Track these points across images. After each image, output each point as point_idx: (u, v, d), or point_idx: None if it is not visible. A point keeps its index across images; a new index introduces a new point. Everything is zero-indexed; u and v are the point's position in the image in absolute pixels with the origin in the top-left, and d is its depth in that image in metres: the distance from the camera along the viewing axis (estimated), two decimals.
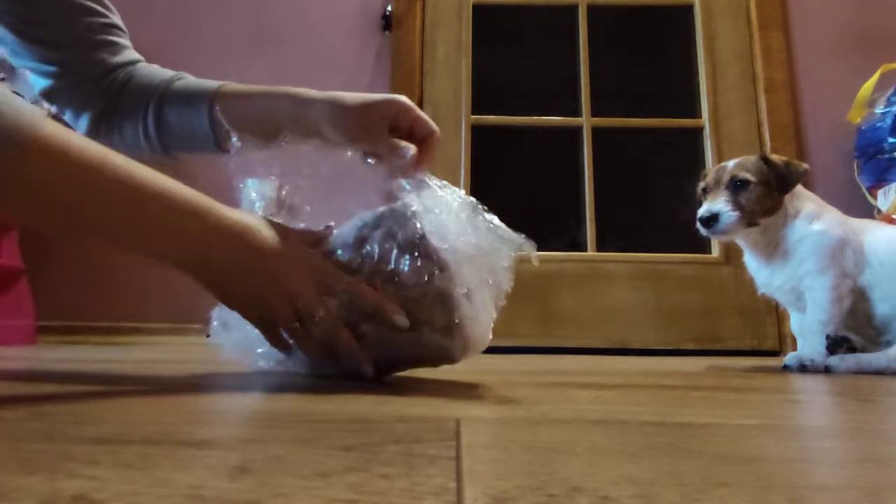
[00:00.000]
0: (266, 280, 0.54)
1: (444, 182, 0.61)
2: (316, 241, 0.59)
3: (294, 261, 0.55)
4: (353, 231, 0.58)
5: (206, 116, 0.72)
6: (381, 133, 0.66)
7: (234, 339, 0.63)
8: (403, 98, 0.68)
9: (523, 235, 0.59)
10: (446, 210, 0.56)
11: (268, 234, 0.55)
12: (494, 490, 0.21)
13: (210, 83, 0.75)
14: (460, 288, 0.54)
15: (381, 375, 0.58)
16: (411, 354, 0.58)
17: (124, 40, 0.78)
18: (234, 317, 0.59)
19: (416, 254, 0.54)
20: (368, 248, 0.56)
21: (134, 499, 0.19)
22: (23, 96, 1.44)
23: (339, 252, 0.57)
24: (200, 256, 0.53)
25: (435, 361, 0.59)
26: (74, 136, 0.48)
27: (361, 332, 0.55)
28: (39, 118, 0.46)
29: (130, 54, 0.78)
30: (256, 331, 0.58)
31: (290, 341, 0.57)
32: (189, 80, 0.77)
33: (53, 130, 0.46)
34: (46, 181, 0.46)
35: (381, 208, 0.58)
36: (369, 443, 0.29)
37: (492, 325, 0.58)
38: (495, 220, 0.59)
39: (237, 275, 0.54)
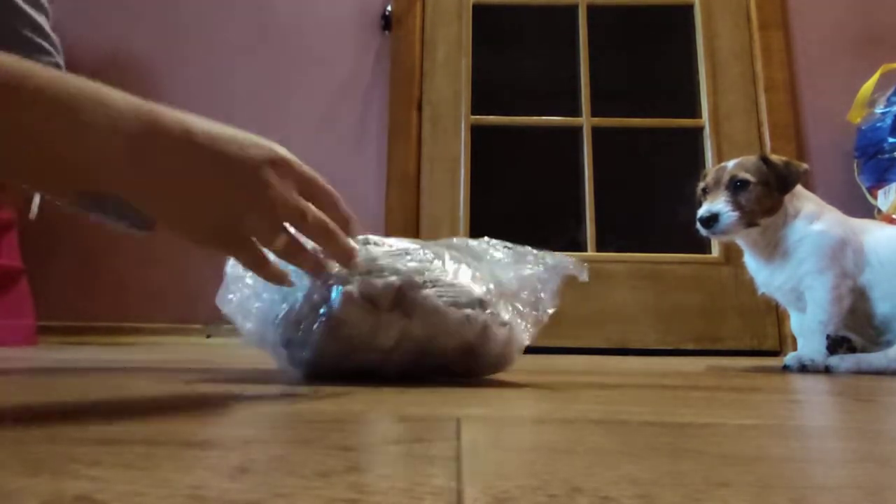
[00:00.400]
0: (233, 183, 0.43)
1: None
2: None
3: (270, 158, 0.44)
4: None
5: None
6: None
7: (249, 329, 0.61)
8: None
9: (570, 259, 0.65)
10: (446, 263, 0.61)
11: (223, 131, 0.44)
12: (494, 490, 0.21)
13: None
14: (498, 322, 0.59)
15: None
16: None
17: (58, 59, 0.78)
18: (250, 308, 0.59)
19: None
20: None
21: (136, 499, 0.19)
22: None
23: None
24: (141, 168, 0.40)
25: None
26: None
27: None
28: None
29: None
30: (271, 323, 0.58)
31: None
32: None
33: None
34: None
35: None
36: (369, 443, 0.29)
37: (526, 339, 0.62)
38: (541, 254, 0.65)
39: (199, 191, 0.42)
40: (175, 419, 0.35)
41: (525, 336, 0.62)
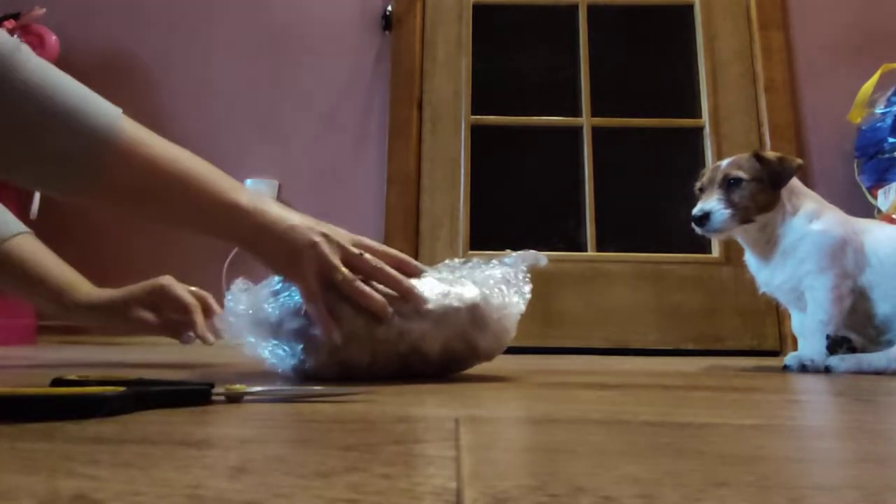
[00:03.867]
0: (305, 250, 0.60)
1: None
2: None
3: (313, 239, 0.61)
4: None
5: None
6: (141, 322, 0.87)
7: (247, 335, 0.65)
8: (166, 283, 0.86)
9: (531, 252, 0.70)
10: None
11: (308, 234, 0.60)
12: (494, 490, 0.21)
13: (6, 227, 0.80)
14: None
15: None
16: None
17: None
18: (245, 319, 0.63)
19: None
20: None
21: (133, 498, 0.19)
22: None
23: None
24: (249, 241, 0.60)
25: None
26: (145, 133, 0.56)
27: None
28: (119, 114, 0.54)
29: None
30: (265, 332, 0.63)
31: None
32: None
33: (131, 129, 0.54)
34: (121, 176, 0.54)
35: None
36: (369, 443, 0.29)
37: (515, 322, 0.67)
38: (497, 264, 0.69)
39: (280, 252, 0.60)
40: (173, 418, 0.34)
41: (518, 305, 0.66)
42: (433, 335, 0.61)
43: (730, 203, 1.03)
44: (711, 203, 1.04)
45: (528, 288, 0.68)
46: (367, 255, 0.62)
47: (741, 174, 1.04)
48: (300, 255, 0.59)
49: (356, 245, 0.63)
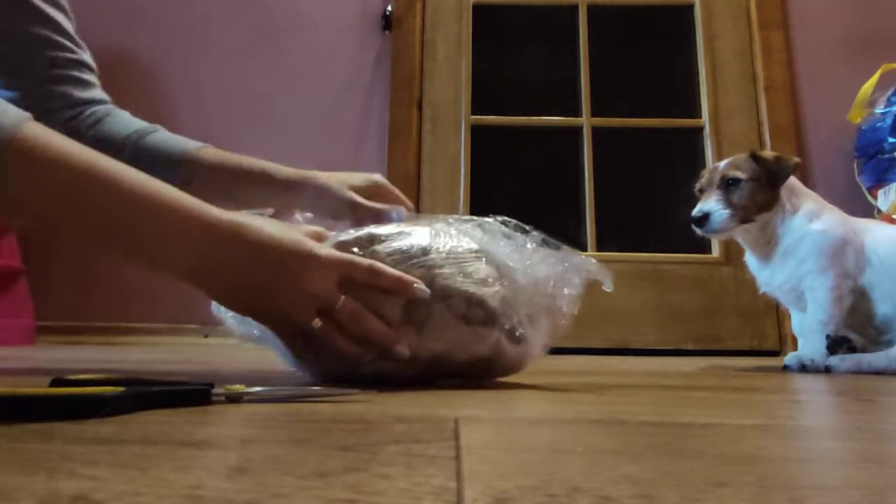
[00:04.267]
0: (278, 282, 0.50)
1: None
2: (319, 236, 0.56)
3: (303, 255, 0.50)
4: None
5: (178, 180, 0.74)
6: (364, 210, 0.71)
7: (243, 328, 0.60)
8: (381, 179, 0.75)
9: (594, 262, 0.61)
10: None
11: (270, 231, 0.51)
12: (494, 490, 0.21)
13: (187, 145, 0.75)
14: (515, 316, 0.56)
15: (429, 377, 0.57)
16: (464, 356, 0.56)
17: (92, 78, 0.78)
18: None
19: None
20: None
21: (133, 499, 0.19)
22: None
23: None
24: (200, 263, 0.49)
25: (488, 364, 0.57)
26: (58, 138, 0.46)
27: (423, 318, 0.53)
28: (22, 119, 0.45)
29: (98, 93, 0.78)
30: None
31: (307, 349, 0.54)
32: (164, 135, 0.77)
33: (36, 132, 0.45)
34: (26, 185, 0.45)
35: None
36: (368, 443, 0.29)
37: (544, 345, 0.60)
38: (566, 251, 0.61)
39: (244, 279, 0.50)
40: (172, 419, 0.34)
41: (540, 347, 0.59)
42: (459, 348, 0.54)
43: (729, 203, 1.04)
44: (710, 204, 1.04)
45: (571, 311, 0.60)
46: (345, 303, 0.51)
47: (739, 174, 1.04)
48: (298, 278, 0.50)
49: (341, 273, 0.52)
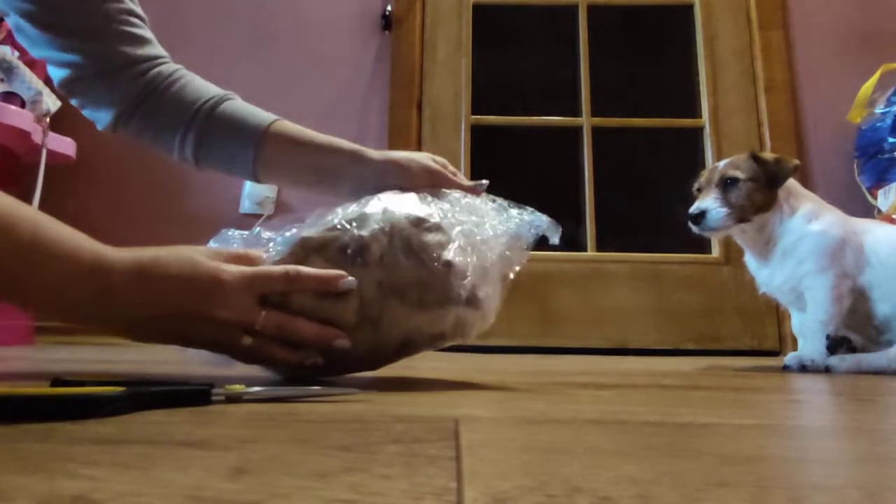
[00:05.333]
0: (191, 314, 0.49)
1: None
2: (241, 257, 0.54)
3: (209, 285, 0.49)
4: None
5: (251, 151, 0.72)
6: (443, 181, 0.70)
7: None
8: (446, 164, 0.73)
9: (544, 218, 0.61)
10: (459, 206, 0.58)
11: (175, 264, 0.49)
12: (494, 490, 0.21)
13: (262, 117, 0.74)
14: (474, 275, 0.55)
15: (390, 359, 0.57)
16: (427, 334, 0.56)
17: (146, 32, 0.77)
18: None
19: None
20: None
21: (133, 499, 0.19)
22: (22, 97, 1.44)
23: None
24: (105, 310, 0.48)
25: (452, 337, 0.57)
26: None
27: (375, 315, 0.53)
28: None
29: (155, 49, 0.77)
30: None
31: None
32: (238, 104, 0.76)
33: None
34: None
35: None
36: (368, 443, 0.29)
37: (498, 299, 0.59)
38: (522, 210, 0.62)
39: (155, 316, 0.49)
40: (172, 419, 0.34)
41: (497, 302, 0.59)
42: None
43: (726, 202, 1.04)
44: (707, 202, 1.04)
45: (519, 263, 0.60)
46: (265, 319, 0.50)
47: (738, 174, 1.04)
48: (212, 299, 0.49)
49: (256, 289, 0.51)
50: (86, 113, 0.76)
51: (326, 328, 0.51)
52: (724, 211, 1.03)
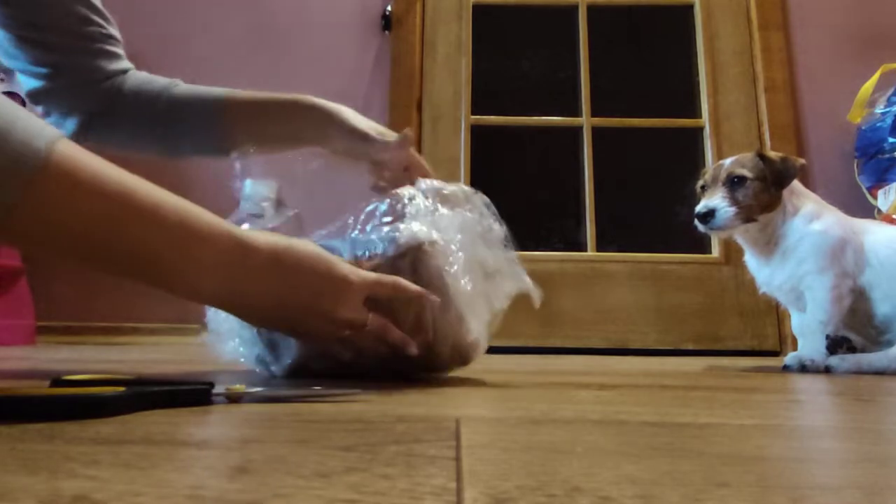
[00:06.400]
0: (313, 307, 0.52)
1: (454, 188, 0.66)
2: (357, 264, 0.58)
3: (338, 282, 0.53)
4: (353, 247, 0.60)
5: (216, 124, 0.75)
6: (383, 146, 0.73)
7: (228, 347, 0.64)
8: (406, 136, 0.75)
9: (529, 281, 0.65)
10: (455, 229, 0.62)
11: (308, 256, 0.52)
12: (494, 490, 0.21)
13: (216, 90, 0.77)
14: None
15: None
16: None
17: (120, 50, 0.81)
18: (227, 326, 0.62)
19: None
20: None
21: (134, 499, 0.19)
22: (21, 96, 1.44)
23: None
24: (235, 290, 0.49)
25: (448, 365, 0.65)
26: (94, 161, 0.42)
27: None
28: (55, 138, 0.41)
29: (125, 63, 0.81)
30: (247, 336, 0.61)
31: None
32: (188, 86, 0.79)
33: (70, 153, 0.41)
34: (58, 209, 0.41)
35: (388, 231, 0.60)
36: (369, 443, 0.29)
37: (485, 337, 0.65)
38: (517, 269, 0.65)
39: (279, 304, 0.51)
40: (173, 419, 0.34)
41: (484, 344, 0.65)
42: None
43: (734, 201, 1.03)
44: (716, 201, 1.03)
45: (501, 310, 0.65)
46: (372, 320, 0.56)
47: (745, 172, 1.03)
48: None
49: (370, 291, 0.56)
50: (50, 120, 0.78)
51: (406, 336, 0.57)
52: (732, 210, 1.02)
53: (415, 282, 0.57)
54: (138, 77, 0.80)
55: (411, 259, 0.58)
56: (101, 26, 0.76)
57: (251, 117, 0.77)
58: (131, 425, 0.32)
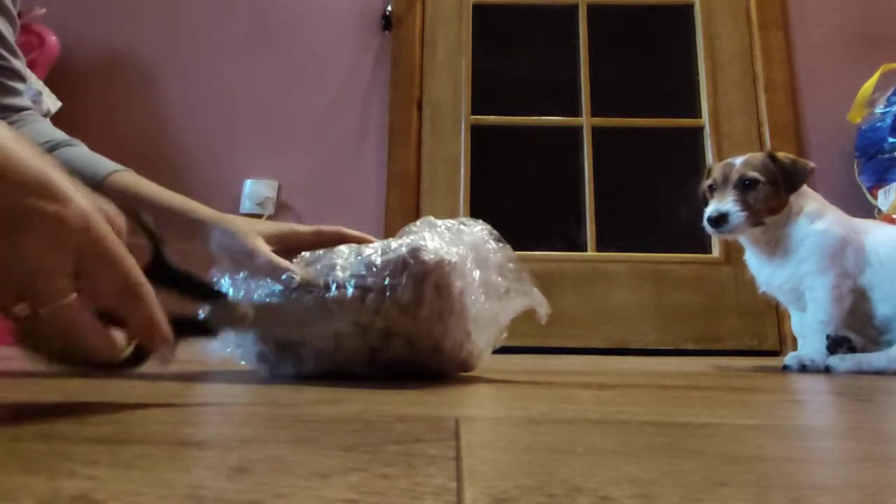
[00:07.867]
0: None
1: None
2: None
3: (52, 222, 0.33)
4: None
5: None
6: (267, 259, 0.64)
7: (218, 345, 0.65)
8: (297, 229, 0.70)
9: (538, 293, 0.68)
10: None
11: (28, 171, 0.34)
12: (494, 490, 0.21)
13: (99, 167, 0.71)
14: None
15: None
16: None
17: (21, 86, 0.78)
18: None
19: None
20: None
21: (133, 499, 0.19)
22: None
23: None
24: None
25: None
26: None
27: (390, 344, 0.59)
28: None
29: (23, 101, 0.78)
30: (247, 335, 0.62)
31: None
32: (80, 151, 0.74)
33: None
34: None
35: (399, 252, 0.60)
36: (369, 443, 0.29)
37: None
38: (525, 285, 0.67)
39: None
40: (173, 419, 0.34)
41: (487, 354, 0.68)
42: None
43: (745, 205, 1.02)
44: (728, 204, 1.02)
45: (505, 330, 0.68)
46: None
47: (757, 175, 1.02)
48: None
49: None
50: None
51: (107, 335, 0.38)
52: (744, 214, 1.01)
53: (435, 298, 0.57)
54: (33, 125, 0.76)
55: (434, 279, 0.58)
56: (3, 58, 0.75)
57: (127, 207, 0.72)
58: (130, 425, 0.32)
